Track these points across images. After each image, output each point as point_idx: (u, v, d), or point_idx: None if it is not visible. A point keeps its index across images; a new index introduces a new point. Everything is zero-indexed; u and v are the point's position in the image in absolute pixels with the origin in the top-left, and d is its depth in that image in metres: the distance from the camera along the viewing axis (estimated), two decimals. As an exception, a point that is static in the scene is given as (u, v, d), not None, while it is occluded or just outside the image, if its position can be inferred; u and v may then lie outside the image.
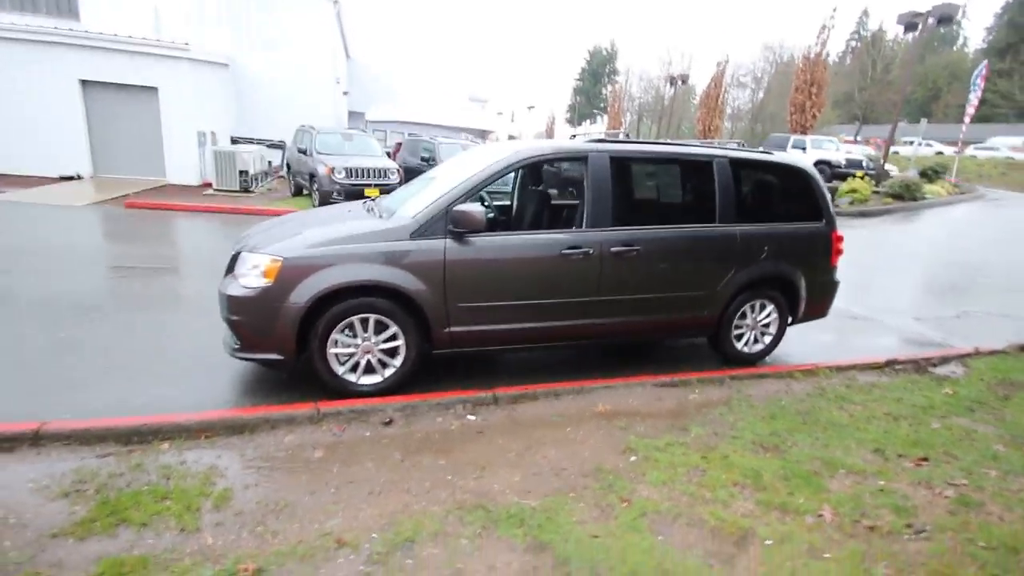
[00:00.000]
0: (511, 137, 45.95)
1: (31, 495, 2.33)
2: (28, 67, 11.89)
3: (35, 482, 2.41)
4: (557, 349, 4.41)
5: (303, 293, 3.19)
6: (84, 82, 12.32)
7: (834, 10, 20.53)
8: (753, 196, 4.24)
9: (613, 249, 3.71)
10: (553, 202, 4.62)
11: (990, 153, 32.10)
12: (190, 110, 13.25)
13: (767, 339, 4.48)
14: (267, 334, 3.24)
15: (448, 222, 3.37)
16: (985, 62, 19.86)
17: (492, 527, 2.21)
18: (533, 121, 51.29)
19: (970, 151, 32.24)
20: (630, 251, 3.75)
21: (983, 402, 3.82)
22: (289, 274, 3.18)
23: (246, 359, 3.36)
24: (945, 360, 4.68)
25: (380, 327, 3.37)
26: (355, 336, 3.35)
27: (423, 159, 11.86)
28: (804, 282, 4.39)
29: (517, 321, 3.63)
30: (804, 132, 20.98)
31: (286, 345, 3.25)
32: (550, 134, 54.79)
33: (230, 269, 3.48)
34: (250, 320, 3.24)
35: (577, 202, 4.11)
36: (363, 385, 3.42)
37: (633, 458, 2.77)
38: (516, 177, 4.98)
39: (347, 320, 3.29)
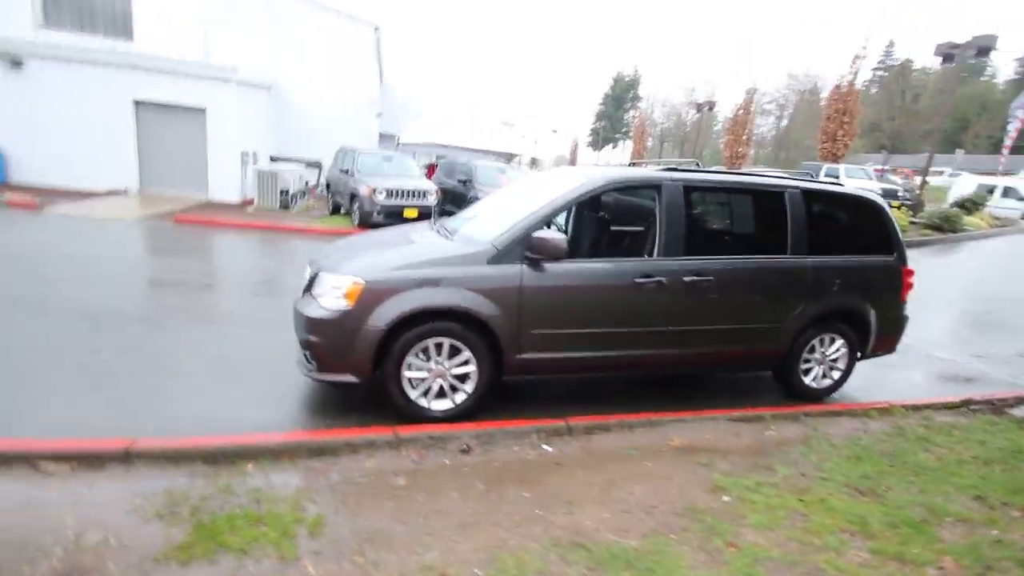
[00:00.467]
0: (534, 161, 46.29)
1: (127, 515, 2.32)
2: (88, 87, 12.41)
3: (129, 502, 2.40)
4: (620, 378, 4.34)
5: (383, 316, 3.19)
6: (138, 102, 12.81)
7: (867, 39, 20.55)
8: (824, 228, 4.16)
9: (686, 279, 3.66)
10: (614, 228, 4.60)
11: (1025, 184, 31.38)
12: (235, 130, 13.65)
13: (835, 374, 4.36)
14: (344, 356, 3.24)
15: (526, 248, 3.36)
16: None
17: (598, 568, 2.13)
18: (556, 145, 51.82)
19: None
20: (703, 281, 3.69)
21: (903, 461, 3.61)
22: (370, 297, 3.19)
23: (320, 380, 3.35)
24: (1021, 401, 4.49)
25: (453, 352, 3.35)
26: (428, 360, 3.33)
27: (460, 181, 12.00)
28: (874, 316, 4.28)
29: (587, 349, 3.59)
30: (836, 160, 20.81)
31: (362, 368, 3.24)
32: (573, 158, 55.25)
33: (308, 288, 3.51)
34: (328, 342, 3.24)
35: (643, 230, 4.08)
36: (435, 410, 3.39)
37: (726, 498, 2.68)
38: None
39: (422, 344, 3.28)
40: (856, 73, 20.82)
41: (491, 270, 3.34)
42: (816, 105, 51.56)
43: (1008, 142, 17.51)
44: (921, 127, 41.74)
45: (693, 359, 3.90)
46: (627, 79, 65.15)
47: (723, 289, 3.78)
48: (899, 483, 2.95)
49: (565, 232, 5.13)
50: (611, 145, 64.75)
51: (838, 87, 20.51)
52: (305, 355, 3.43)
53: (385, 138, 22.52)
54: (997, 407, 4.34)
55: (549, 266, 3.41)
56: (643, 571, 2.10)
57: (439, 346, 3.32)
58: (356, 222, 10.73)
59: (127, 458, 2.67)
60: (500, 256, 3.36)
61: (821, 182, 4.35)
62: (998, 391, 4.71)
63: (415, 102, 23.13)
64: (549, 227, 4.49)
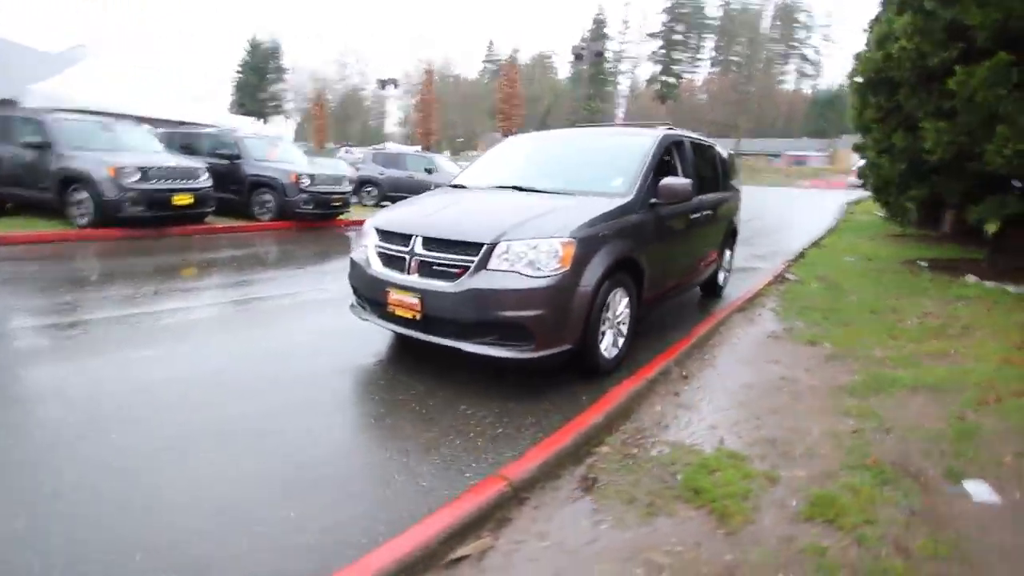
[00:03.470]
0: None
1: (630, 516, 1.92)
2: None
3: (597, 518, 1.94)
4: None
5: (593, 274, 3.12)
6: None
7: (516, 44, 25.24)
8: (724, 172, 5.87)
9: (705, 212, 4.73)
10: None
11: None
12: None
13: (726, 275, 6.27)
14: (562, 324, 3.02)
15: (652, 195, 3.74)
16: (624, 87, 27.91)
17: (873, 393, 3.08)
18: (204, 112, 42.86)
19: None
20: (708, 213, 4.84)
21: (830, 287, 6.42)
22: (580, 256, 3.05)
23: (537, 359, 2.97)
24: (787, 273, 7.44)
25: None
26: (607, 311, 3.40)
27: (224, 156, 9.51)
28: (736, 230, 6.35)
29: (669, 278, 4.24)
30: (511, 134, 25.25)
31: (577, 333, 3.10)
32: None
33: (483, 264, 2.96)
34: (546, 312, 2.94)
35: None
36: (613, 359, 3.49)
37: (827, 344, 3.98)
38: None
39: (609, 297, 3.33)
40: (513, 67, 25.39)
41: (637, 218, 3.61)
42: (448, 89, 59.22)
43: (617, 121, 25.01)
44: (534, 110, 53.28)
45: (695, 278, 5.04)
46: (266, 46, 59.24)
47: (712, 219, 5.02)
48: (876, 306, 4.89)
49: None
50: (261, 119, 58.25)
51: (506, 74, 24.64)
52: (487, 340, 2.97)
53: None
54: (785, 279, 7.11)
55: (661, 210, 3.89)
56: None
57: (614, 296, 3.42)
58: (92, 217, 7.39)
59: (518, 496, 2.01)
60: (639, 205, 3.65)
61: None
62: (776, 271, 7.57)
63: (45, 57, 15.90)
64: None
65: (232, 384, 3.05)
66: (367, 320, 3.55)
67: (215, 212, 9.35)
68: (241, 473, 2.19)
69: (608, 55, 72.23)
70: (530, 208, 3.39)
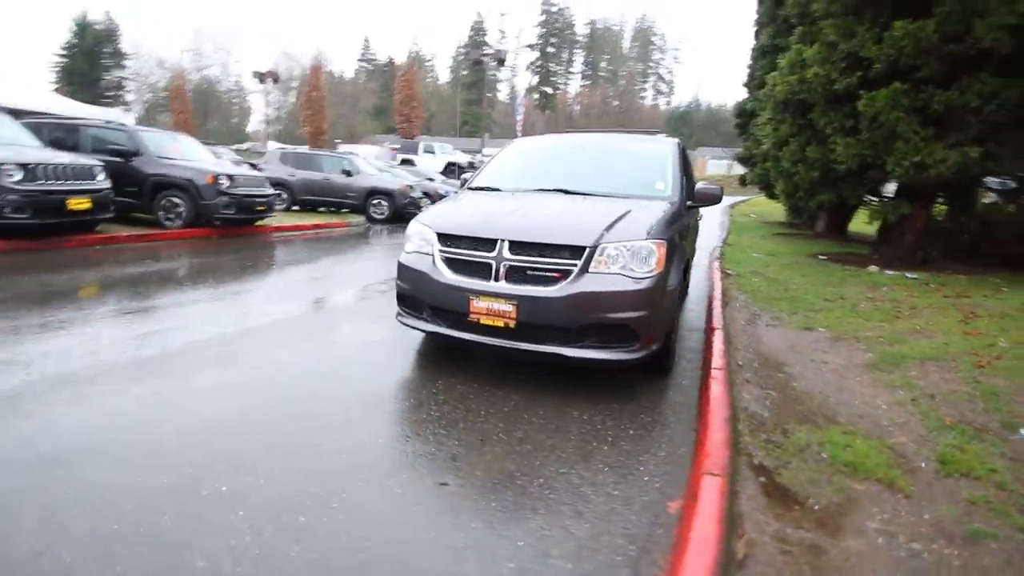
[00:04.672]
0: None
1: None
2: None
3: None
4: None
5: (676, 275, 3.29)
6: None
7: (418, 39, 24.73)
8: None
9: (699, 215, 5.14)
10: None
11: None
12: None
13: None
14: (657, 324, 3.12)
15: (688, 198, 4.00)
16: (522, 93, 28.62)
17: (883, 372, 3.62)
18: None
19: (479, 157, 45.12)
20: (694, 215, 5.27)
21: (769, 281, 7.36)
22: (668, 258, 3.17)
23: (638, 360, 3.02)
24: (725, 269, 8.30)
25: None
26: (676, 309, 3.59)
27: (117, 153, 8.01)
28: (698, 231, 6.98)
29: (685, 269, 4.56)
30: (412, 138, 24.65)
31: (666, 332, 3.23)
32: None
33: (585, 267, 2.95)
34: (649, 312, 3.02)
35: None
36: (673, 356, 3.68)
37: (822, 329, 4.57)
38: None
39: (672, 296, 3.51)
40: (412, 69, 24.85)
41: (684, 220, 3.84)
42: (331, 87, 56.00)
43: (518, 127, 25.59)
44: (421, 114, 52.35)
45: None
46: (98, 27, 50.96)
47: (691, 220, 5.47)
48: (825, 294, 5.60)
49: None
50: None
51: (403, 75, 24.03)
52: (588, 344, 2.98)
53: None
54: (728, 274, 7.93)
55: (691, 212, 4.18)
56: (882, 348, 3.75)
57: (677, 295, 3.61)
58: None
59: (732, 489, 2.06)
60: (682, 207, 3.87)
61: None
62: (716, 268, 8.40)
63: None
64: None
65: (299, 412, 2.68)
66: (430, 331, 3.32)
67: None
68: (430, 510, 1.96)
69: (488, 62, 73.92)
70: (606, 211, 3.39)
